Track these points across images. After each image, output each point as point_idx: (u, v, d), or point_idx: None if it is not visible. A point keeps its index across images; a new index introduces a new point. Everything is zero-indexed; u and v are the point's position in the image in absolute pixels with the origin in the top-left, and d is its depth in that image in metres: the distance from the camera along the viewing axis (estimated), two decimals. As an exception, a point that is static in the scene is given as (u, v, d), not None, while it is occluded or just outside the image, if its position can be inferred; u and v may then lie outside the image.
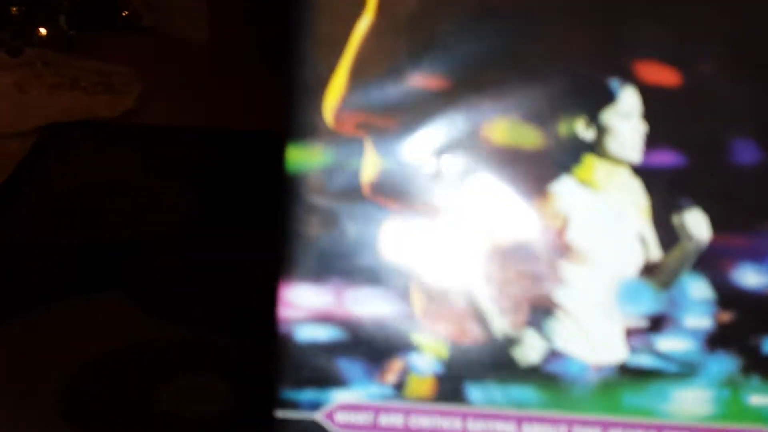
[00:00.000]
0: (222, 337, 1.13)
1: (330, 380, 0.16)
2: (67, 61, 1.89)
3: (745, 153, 0.16)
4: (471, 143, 0.16)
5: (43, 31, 1.84)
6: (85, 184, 1.60)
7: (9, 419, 0.96)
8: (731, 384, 0.16)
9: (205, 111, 1.99)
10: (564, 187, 0.16)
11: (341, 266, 0.17)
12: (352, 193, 0.17)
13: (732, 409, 0.16)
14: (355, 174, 0.17)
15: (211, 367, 1.09)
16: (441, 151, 0.16)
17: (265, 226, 1.60)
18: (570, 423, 0.16)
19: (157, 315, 1.19)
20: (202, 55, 2.25)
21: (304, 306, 0.17)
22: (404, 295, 0.17)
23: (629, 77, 0.16)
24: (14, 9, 1.79)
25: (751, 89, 0.16)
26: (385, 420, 0.17)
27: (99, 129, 1.82)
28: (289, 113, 0.17)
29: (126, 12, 2.03)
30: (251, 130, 1.91)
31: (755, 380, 0.16)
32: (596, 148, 0.16)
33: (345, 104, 0.16)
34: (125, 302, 1.21)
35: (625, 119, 0.17)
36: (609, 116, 0.17)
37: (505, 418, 0.16)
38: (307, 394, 0.17)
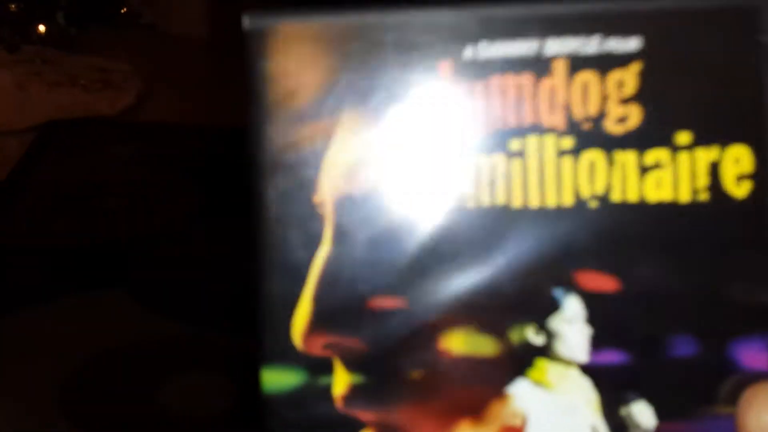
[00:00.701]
0: (224, 334, 1.13)
1: None
2: (66, 58, 1.89)
3: (683, 347, 0.18)
4: (431, 355, 0.18)
5: (41, 28, 1.83)
6: (84, 181, 1.60)
7: (9, 414, 0.96)
8: None
9: (205, 107, 1.99)
10: (520, 389, 0.18)
11: None
12: (327, 407, 0.18)
13: None
14: (328, 390, 0.18)
15: (213, 365, 1.09)
16: (405, 366, 0.18)
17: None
18: None
19: (160, 312, 1.18)
20: (202, 52, 2.25)
21: None
22: None
23: (571, 286, 0.18)
24: (13, 6, 1.79)
25: (684, 288, 0.18)
26: None
27: (98, 126, 1.81)
28: (261, 339, 0.18)
29: (125, 9, 2.03)
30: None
31: None
32: (547, 351, 0.18)
33: (311, 329, 0.18)
34: (128, 300, 1.20)
35: (571, 324, 0.18)
36: (556, 322, 0.18)
37: None
38: None
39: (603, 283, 0.18)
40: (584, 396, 0.18)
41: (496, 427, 0.18)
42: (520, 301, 0.18)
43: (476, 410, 0.18)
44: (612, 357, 0.18)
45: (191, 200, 1.54)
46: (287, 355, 0.18)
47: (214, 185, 1.59)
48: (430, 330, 0.18)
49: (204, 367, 1.06)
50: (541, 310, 0.18)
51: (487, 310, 0.18)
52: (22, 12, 1.80)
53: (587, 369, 0.18)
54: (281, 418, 0.18)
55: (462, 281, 0.17)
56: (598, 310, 0.18)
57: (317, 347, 0.18)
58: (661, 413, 0.18)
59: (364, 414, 0.18)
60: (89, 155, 1.72)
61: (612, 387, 0.18)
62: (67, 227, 1.41)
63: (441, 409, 0.18)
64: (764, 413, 0.17)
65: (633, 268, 0.18)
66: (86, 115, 1.89)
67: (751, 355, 0.17)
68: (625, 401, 0.18)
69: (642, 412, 0.18)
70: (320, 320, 0.18)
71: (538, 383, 0.18)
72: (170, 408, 1.00)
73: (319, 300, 0.18)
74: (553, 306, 0.18)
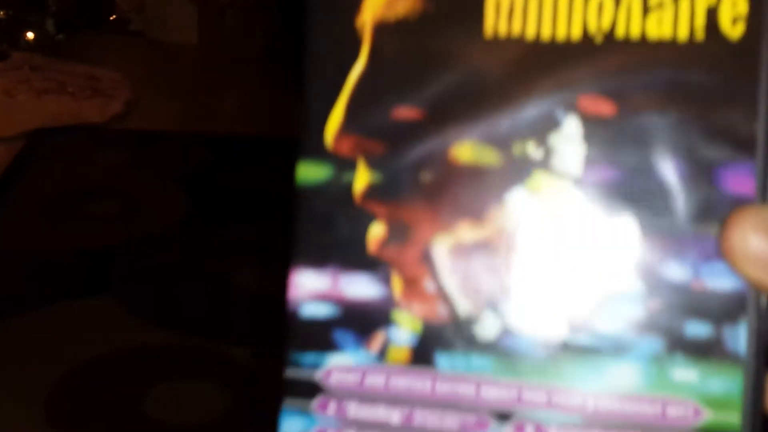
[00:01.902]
0: (212, 343, 1.13)
1: (326, 347, 0.20)
2: (54, 65, 1.89)
3: (671, 170, 0.19)
4: (441, 162, 0.20)
5: (30, 35, 1.84)
6: (73, 189, 1.60)
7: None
8: (658, 361, 0.19)
9: (194, 115, 1.99)
10: (517, 196, 0.20)
11: (337, 257, 0.20)
12: (347, 200, 0.20)
13: (658, 381, 0.19)
14: (349, 186, 0.20)
15: (201, 374, 1.09)
16: (417, 168, 0.20)
17: (255, 228, 1.58)
18: (520, 388, 0.20)
19: (148, 320, 1.18)
20: (191, 59, 2.25)
21: (308, 288, 0.21)
22: (386, 281, 0.20)
23: (573, 108, 0.20)
24: (1, 13, 1.79)
25: (675, 117, 0.20)
26: (369, 381, 0.20)
27: (87, 134, 1.81)
28: (299, 137, 0.21)
29: (114, 16, 2.03)
30: (241, 134, 1.91)
31: (679, 358, 0.19)
32: (545, 164, 0.20)
33: (342, 131, 0.20)
34: (116, 307, 1.20)
35: (568, 141, 0.20)
36: (555, 139, 0.20)
37: (466, 381, 0.20)
38: (308, 357, 0.20)
39: (601, 107, 0.20)
40: (575, 207, 0.19)
41: (492, 229, 0.20)
42: (524, 119, 0.20)
43: (476, 214, 0.20)
44: (603, 174, 0.19)
45: (181, 207, 1.55)
46: (319, 152, 0.20)
47: (203, 193, 1.60)
48: (442, 140, 0.20)
49: (192, 375, 1.07)
50: (543, 127, 0.20)
51: (494, 125, 0.20)
52: (10, 19, 1.80)
53: (580, 183, 0.19)
54: (309, 207, 0.21)
55: (476, 99, 0.20)
56: (594, 130, 0.20)
57: (345, 147, 0.20)
58: (645, 228, 0.19)
59: (378, 208, 0.20)
60: (78, 163, 1.72)
61: (600, 200, 0.19)
62: (55, 234, 1.41)
63: (445, 210, 0.20)
64: (749, 235, 0.18)
65: (630, 96, 0.19)
66: (75, 123, 1.89)
67: (737, 180, 0.19)
68: (611, 214, 0.19)
69: (628, 225, 0.19)
70: (350, 123, 0.20)
71: (534, 192, 0.20)
72: (158, 416, 1.01)
73: (351, 106, 0.20)
74: (554, 124, 0.20)
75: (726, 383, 0.18)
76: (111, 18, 2.02)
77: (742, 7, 0.19)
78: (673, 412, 0.19)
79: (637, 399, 0.19)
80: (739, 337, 0.18)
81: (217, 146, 1.82)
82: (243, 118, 2.15)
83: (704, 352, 0.18)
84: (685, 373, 0.18)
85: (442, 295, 0.20)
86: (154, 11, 2.31)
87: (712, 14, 0.19)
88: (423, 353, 0.20)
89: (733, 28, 0.19)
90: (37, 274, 1.26)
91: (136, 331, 1.14)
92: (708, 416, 0.18)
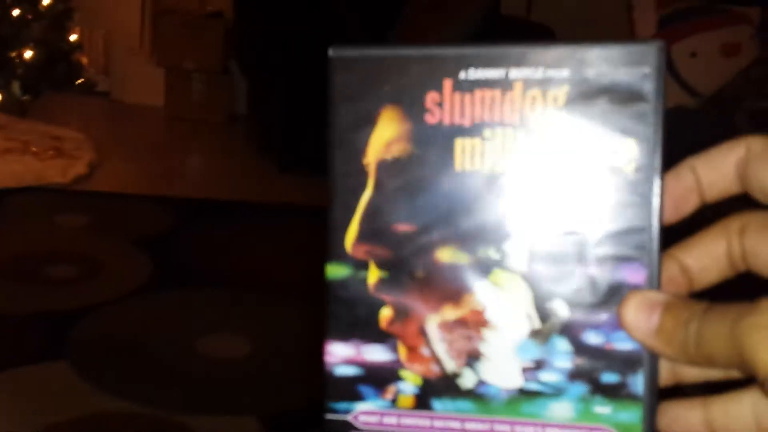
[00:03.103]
0: (167, 411, 1.11)
1: (354, 397, 0.28)
2: (19, 125, 1.89)
3: (588, 265, 0.26)
4: (429, 262, 0.27)
5: (-4, 96, 1.84)
6: (35, 250, 1.58)
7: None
8: (584, 400, 0.26)
9: (158, 177, 2.00)
10: (483, 287, 0.27)
11: (358, 333, 0.28)
12: (363, 291, 0.27)
13: (585, 414, 0.26)
14: (364, 280, 0.27)
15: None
16: (412, 267, 0.27)
17: (219, 292, 1.57)
18: (492, 422, 0.28)
19: (102, 387, 1.16)
20: (156, 121, 2.27)
21: (338, 355, 0.28)
22: (394, 349, 0.27)
23: (521, 223, 0.27)
24: (-33, 74, 1.79)
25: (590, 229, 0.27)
26: (386, 420, 0.28)
27: (49, 194, 1.81)
28: (327, 246, 0.28)
29: (81, 79, 2.04)
30: (205, 197, 1.92)
31: (599, 398, 0.26)
32: (501, 264, 0.27)
33: (357, 241, 0.27)
34: (70, 372, 1.18)
35: (518, 248, 0.27)
36: (508, 246, 0.27)
37: (454, 419, 0.28)
38: (341, 405, 0.28)
39: (540, 220, 0.27)
40: (524, 294, 0.27)
41: (467, 310, 0.27)
42: (486, 231, 0.27)
43: (455, 299, 0.27)
44: (543, 271, 0.27)
45: (142, 271, 1.55)
46: (342, 256, 0.27)
47: (165, 256, 1.59)
48: (429, 246, 0.27)
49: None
50: (500, 237, 0.27)
51: (466, 235, 0.27)
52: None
53: (526, 276, 0.27)
54: (336, 297, 0.28)
55: (451, 216, 0.27)
56: (537, 241, 0.27)
57: (360, 253, 0.27)
58: (572, 307, 0.26)
59: (386, 297, 0.27)
60: (40, 223, 1.71)
61: (540, 289, 0.27)
62: (15, 297, 1.40)
63: (433, 297, 0.27)
64: (635, 312, 0.25)
65: (558, 214, 0.27)
66: (38, 183, 1.89)
67: (633, 274, 0.26)
68: (549, 299, 0.26)
69: (560, 307, 0.26)
70: (362, 236, 0.27)
71: (495, 284, 0.27)
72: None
73: (362, 223, 0.27)
74: (507, 235, 0.27)
75: (631, 414, 0.26)
76: (78, 81, 2.03)
77: (635, 152, 0.26)
78: None
79: (571, 427, 0.27)
80: (639, 382, 0.26)
81: (180, 209, 1.82)
82: (207, 180, 2.16)
83: (615, 393, 0.26)
84: (603, 408, 0.26)
85: (435, 358, 0.27)
86: (121, 74, 2.32)
87: (614, 157, 0.26)
88: (423, 400, 0.27)
89: (628, 166, 0.26)
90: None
91: (93, 400, 1.13)
92: None
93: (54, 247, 1.58)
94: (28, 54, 1.83)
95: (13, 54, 1.78)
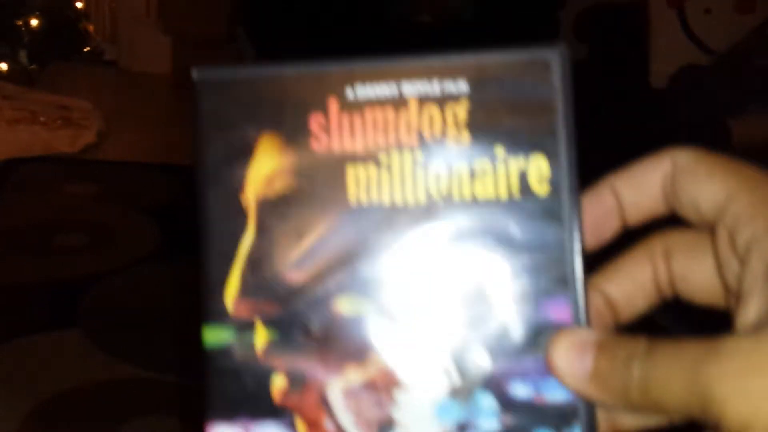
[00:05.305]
0: (180, 378, 1.12)
1: None
2: (26, 95, 1.89)
3: (503, 305, 0.23)
4: (326, 315, 0.23)
5: (3, 66, 1.83)
6: (44, 219, 1.59)
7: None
8: None
9: (165, 146, 1.99)
10: (391, 340, 0.23)
11: (246, 409, 0.23)
12: (251, 357, 0.23)
13: None
14: (251, 344, 0.23)
15: (168, 409, 1.08)
16: (306, 323, 0.23)
17: None
18: None
19: (115, 354, 1.17)
20: (164, 90, 2.26)
21: None
22: (291, 426, 0.23)
23: (426, 261, 0.24)
24: (-27, 44, 1.79)
25: (502, 261, 0.24)
26: None
27: (58, 164, 1.81)
28: (203, 306, 0.23)
29: (88, 47, 2.03)
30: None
31: None
32: (410, 312, 0.23)
33: (239, 296, 0.23)
34: (84, 340, 1.19)
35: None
36: None
37: None
38: None
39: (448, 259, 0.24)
40: (437, 345, 0.23)
41: (374, 370, 0.23)
42: (389, 272, 0.23)
43: (359, 357, 0.23)
44: (457, 313, 0.23)
45: (151, 239, 1.55)
46: (222, 317, 0.23)
47: (174, 224, 1.59)
48: (325, 297, 0.23)
49: (159, 410, 1.06)
50: (405, 281, 0.23)
51: (366, 279, 0.23)
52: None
53: (439, 324, 0.23)
54: (216, 367, 0.23)
55: (349, 262, 0.23)
56: (443, 280, 0.24)
57: (244, 311, 0.23)
58: (492, 357, 0.23)
59: (277, 362, 0.23)
60: (48, 193, 1.71)
61: (454, 335, 0.23)
62: (25, 266, 1.40)
63: (334, 357, 0.23)
64: (565, 354, 0.22)
65: (466, 247, 0.24)
66: (46, 153, 1.88)
67: (556, 310, 0.23)
68: (468, 348, 0.23)
69: (480, 356, 0.23)
70: (245, 290, 0.23)
71: (404, 336, 0.23)
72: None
73: (244, 275, 0.23)
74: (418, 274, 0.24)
75: None
76: (85, 50, 2.02)
77: (546, 170, 0.23)
78: None
79: None
80: None
81: (189, 177, 1.82)
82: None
83: None
84: None
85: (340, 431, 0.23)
86: (128, 42, 2.31)
87: (523, 177, 0.23)
88: None
89: (540, 186, 0.23)
90: (6, 307, 1.25)
91: (103, 366, 1.13)
92: None
93: (64, 216, 1.58)
94: (34, 22, 1.82)
95: (19, 22, 1.77)
